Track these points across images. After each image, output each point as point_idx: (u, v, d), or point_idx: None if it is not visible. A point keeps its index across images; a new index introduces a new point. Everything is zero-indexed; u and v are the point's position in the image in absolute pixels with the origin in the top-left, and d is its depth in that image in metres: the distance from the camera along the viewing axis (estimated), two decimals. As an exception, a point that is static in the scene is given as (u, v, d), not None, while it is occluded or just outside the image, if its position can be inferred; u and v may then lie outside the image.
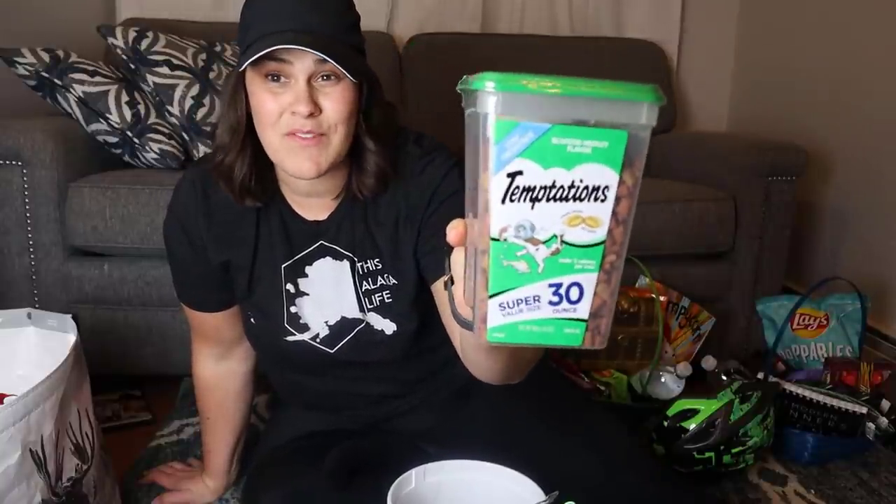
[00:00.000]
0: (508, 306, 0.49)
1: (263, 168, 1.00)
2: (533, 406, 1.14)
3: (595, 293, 0.49)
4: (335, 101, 0.91)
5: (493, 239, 0.47)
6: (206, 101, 1.81)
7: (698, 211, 1.84)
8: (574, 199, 0.47)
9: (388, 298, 1.05)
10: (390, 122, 1.01)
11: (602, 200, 0.47)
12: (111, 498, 1.10)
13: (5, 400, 0.88)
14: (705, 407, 1.35)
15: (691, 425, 1.34)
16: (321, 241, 1.05)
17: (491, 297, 0.48)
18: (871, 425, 1.52)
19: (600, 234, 0.47)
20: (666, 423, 1.37)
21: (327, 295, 1.06)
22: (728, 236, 1.87)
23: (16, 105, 1.85)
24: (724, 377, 1.70)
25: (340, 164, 0.97)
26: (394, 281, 1.04)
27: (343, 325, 1.06)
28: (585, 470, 1.02)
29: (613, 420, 1.15)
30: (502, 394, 1.15)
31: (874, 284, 2.03)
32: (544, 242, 0.47)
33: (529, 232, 0.47)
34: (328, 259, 1.05)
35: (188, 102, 1.80)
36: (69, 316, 1.09)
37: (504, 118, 0.45)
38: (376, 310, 1.05)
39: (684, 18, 2.64)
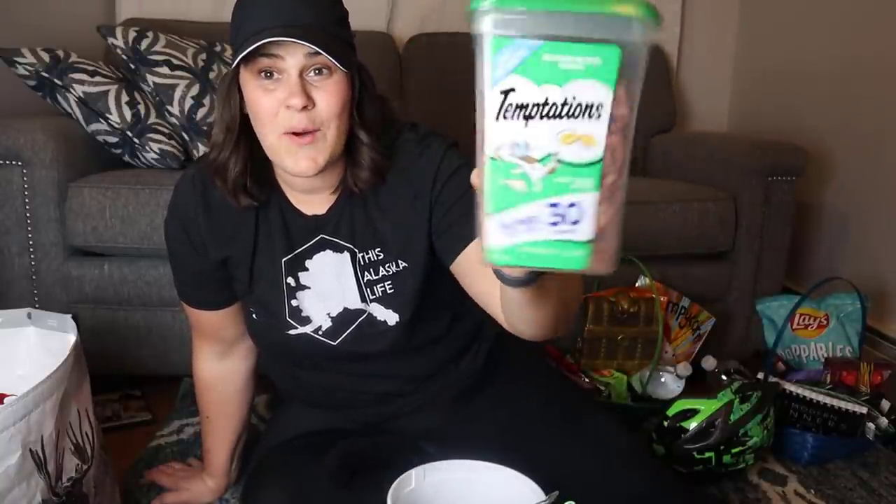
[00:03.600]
0: (508, 226, 0.48)
1: (259, 166, 1.01)
2: (533, 406, 1.14)
3: (596, 214, 0.48)
4: (328, 94, 0.92)
5: (490, 158, 0.47)
6: (206, 101, 1.81)
7: (698, 211, 1.84)
8: (568, 116, 0.46)
9: (390, 289, 1.05)
10: (384, 115, 1.02)
11: (597, 118, 0.46)
12: (111, 498, 1.10)
13: (5, 400, 0.88)
14: (705, 407, 1.35)
15: (691, 425, 1.34)
16: (321, 235, 1.05)
17: (490, 215, 0.48)
18: (871, 425, 1.51)
19: (597, 152, 0.47)
20: (666, 423, 1.37)
21: (329, 287, 1.06)
22: (728, 236, 1.87)
23: (16, 105, 1.85)
24: (724, 377, 1.70)
25: (337, 159, 0.97)
26: (403, 265, 1.04)
27: (345, 317, 1.07)
28: (585, 470, 1.02)
29: (614, 420, 1.15)
30: (503, 394, 1.16)
31: (874, 284, 2.03)
32: (539, 160, 0.47)
33: (524, 150, 0.47)
34: (328, 252, 1.05)
35: (188, 102, 1.80)
36: (69, 316, 1.09)
37: (499, 35, 0.45)
38: (378, 300, 1.05)
39: (684, 18, 2.63)
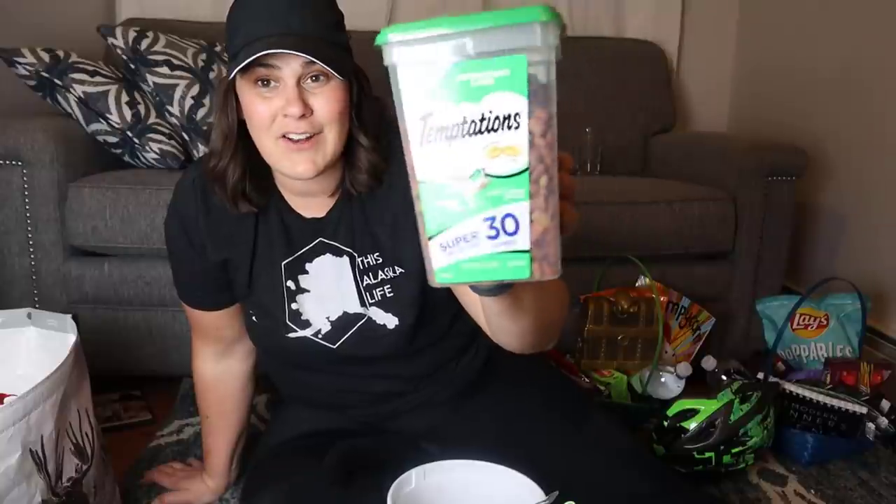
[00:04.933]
0: (449, 245, 0.49)
1: (258, 172, 1.01)
2: (534, 406, 1.14)
3: (531, 221, 0.48)
4: (325, 100, 0.92)
5: (420, 182, 0.49)
6: (206, 101, 1.81)
7: (698, 211, 1.84)
8: (488, 130, 0.47)
9: (389, 293, 1.05)
10: (380, 116, 1.02)
11: (516, 128, 0.47)
12: (111, 498, 1.10)
13: (5, 400, 0.88)
14: (705, 407, 1.35)
15: (691, 425, 1.34)
16: (320, 239, 1.05)
17: (430, 238, 0.50)
18: (871, 425, 1.52)
19: (522, 161, 0.47)
20: (666, 423, 1.37)
21: (328, 291, 1.06)
22: (728, 236, 1.87)
23: (16, 105, 1.85)
24: (724, 377, 1.70)
25: (335, 162, 0.97)
26: (399, 271, 1.04)
27: (345, 321, 1.07)
28: (586, 469, 1.02)
29: (614, 420, 1.15)
30: (503, 394, 1.16)
31: (874, 284, 2.03)
32: (469, 177, 0.48)
33: (452, 170, 0.48)
34: (328, 256, 1.05)
35: (188, 102, 1.80)
36: (69, 316, 1.10)
37: (408, 65, 0.47)
38: (378, 304, 1.05)
39: (684, 18, 2.64)
